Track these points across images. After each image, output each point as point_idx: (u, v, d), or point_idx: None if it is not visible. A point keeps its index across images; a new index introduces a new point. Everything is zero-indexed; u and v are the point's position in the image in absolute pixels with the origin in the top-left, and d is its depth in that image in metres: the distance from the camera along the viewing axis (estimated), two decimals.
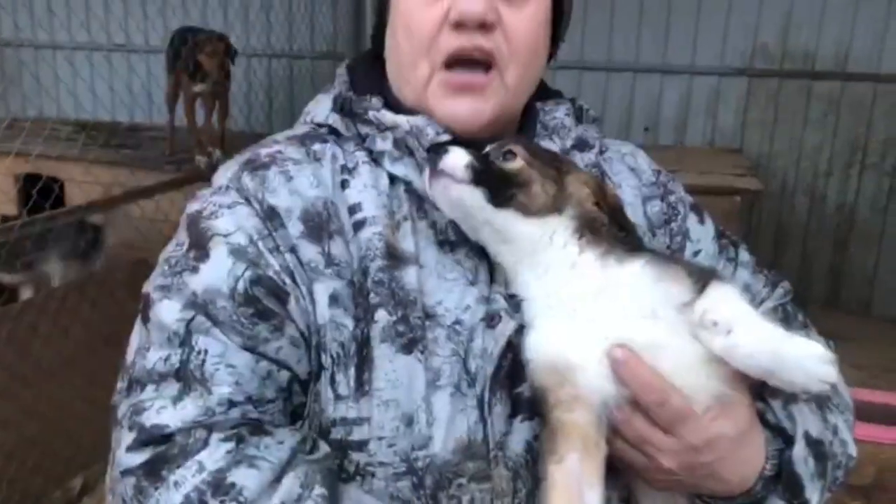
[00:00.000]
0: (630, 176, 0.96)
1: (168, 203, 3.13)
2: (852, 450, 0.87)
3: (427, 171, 0.79)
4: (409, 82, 0.86)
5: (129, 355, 0.79)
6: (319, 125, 0.89)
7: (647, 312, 0.74)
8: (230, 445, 0.72)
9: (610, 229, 0.80)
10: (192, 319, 0.75)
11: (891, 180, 4.20)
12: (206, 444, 0.72)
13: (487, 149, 0.81)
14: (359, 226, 0.81)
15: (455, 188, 0.77)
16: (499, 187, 0.77)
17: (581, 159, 0.91)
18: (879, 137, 4.16)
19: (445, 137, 0.83)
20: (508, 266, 0.80)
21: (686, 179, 3.52)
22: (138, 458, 0.72)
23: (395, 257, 0.79)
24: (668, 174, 1.00)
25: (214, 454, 0.71)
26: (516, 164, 0.79)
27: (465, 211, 0.78)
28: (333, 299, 0.78)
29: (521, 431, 0.78)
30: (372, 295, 0.78)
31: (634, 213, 0.91)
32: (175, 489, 0.70)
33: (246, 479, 0.71)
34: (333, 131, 0.88)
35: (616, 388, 0.73)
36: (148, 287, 0.81)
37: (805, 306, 1.00)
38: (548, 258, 0.78)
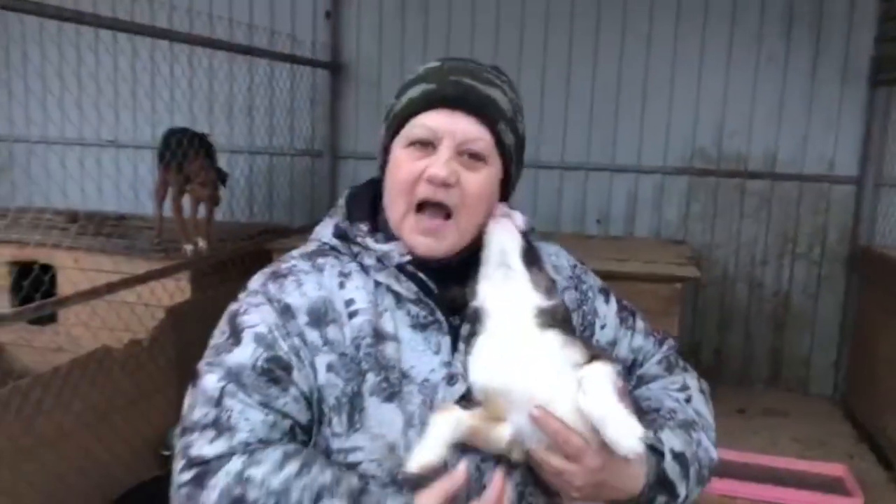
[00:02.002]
0: (553, 273, 1.27)
1: (161, 288, 3.37)
2: (714, 454, 1.20)
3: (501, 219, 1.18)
4: (392, 214, 1.19)
5: (184, 410, 1.11)
6: (324, 243, 1.22)
7: (555, 365, 1.06)
8: (245, 458, 1.04)
9: (550, 309, 1.12)
10: (224, 387, 1.08)
11: (819, 268, 4.62)
12: (229, 460, 1.04)
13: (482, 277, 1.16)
14: (353, 314, 1.13)
15: (508, 226, 1.17)
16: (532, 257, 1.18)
17: None
18: (806, 230, 4.61)
19: (406, 259, 1.16)
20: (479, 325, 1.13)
21: (633, 268, 3.87)
22: (187, 475, 1.03)
23: (379, 336, 1.12)
24: (582, 267, 1.34)
25: (235, 464, 1.03)
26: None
27: (503, 254, 1.16)
28: (329, 367, 1.11)
29: (470, 454, 1.09)
30: (363, 363, 1.11)
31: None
32: (212, 489, 1.02)
33: (256, 471, 1.03)
34: (334, 248, 1.21)
35: (529, 424, 1.05)
36: (200, 364, 1.13)
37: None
38: (507, 320, 1.11)
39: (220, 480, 1.01)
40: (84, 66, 4.92)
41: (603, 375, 1.03)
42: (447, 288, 1.16)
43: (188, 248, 3.74)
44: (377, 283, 1.16)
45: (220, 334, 1.14)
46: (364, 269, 1.17)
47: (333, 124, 4.94)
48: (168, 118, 4.62)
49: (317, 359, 1.10)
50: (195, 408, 1.08)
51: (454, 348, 1.13)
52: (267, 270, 1.20)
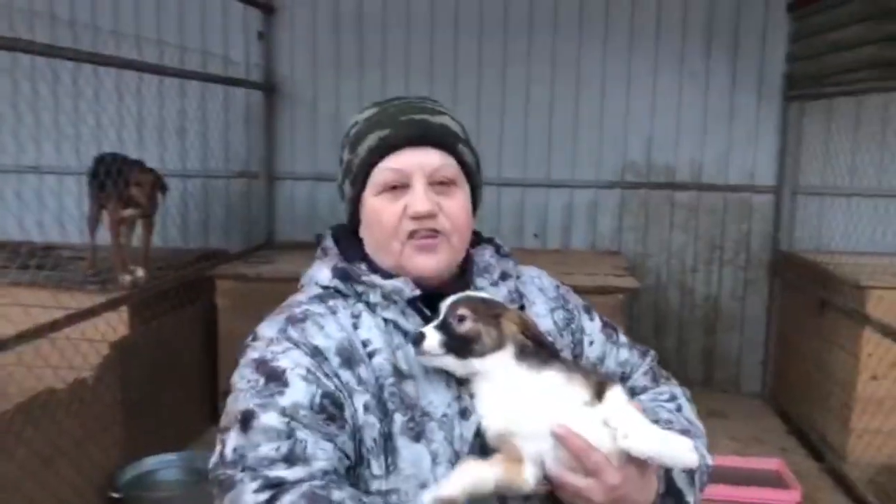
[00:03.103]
0: (539, 294, 1.33)
1: (104, 323, 3.26)
2: (710, 460, 1.25)
3: (414, 350, 1.13)
4: (388, 255, 1.19)
5: (237, 452, 1.03)
6: (325, 287, 1.20)
7: (559, 404, 1.09)
8: (326, 481, 1.02)
9: (533, 348, 1.14)
10: (290, 422, 1.05)
11: (744, 274, 4.87)
12: (309, 482, 1.01)
13: (444, 312, 1.14)
14: (371, 355, 1.12)
15: (436, 360, 1.12)
16: (461, 347, 1.12)
17: (506, 287, 1.27)
18: (732, 237, 4.85)
19: (418, 292, 1.17)
20: (474, 380, 1.15)
21: (575, 280, 4.01)
22: (262, 496, 1.00)
23: (399, 375, 1.13)
24: (564, 287, 1.39)
25: (316, 483, 1.01)
26: (467, 325, 1.12)
27: (444, 367, 1.14)
28: (366, 408, 1.10)
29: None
30: (389, 403, 1.11)
31: (546, 321, 1.29)
32: (291, 494, 0.99)
33: (337, 494, 1.00)
34: (338, 290, 1.19)
35: (549, 449, 1.08)
36: (246, 406, 1.06)
37: (688, 387, 1.40)
38: (497, 375, 1.13)
39: (302, 489, 0.99)
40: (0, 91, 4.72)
41: (627, 409, 1.07)
42: None
43: (125, 278, 3.63)
44: (385, 321, 1.16)
45: (253, 384, 1.08)
46: (370, 308, 1.17)
47: (269, 145, 4.89)
48: (94, 144, 4.48)
49: (354, 399, 1.09)
50: (259, 446, 1.02)
51: (458, 382, 1.16)
52: (279, 317, 1.16)
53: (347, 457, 1.08)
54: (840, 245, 4.45)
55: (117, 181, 3.59)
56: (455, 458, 1.11)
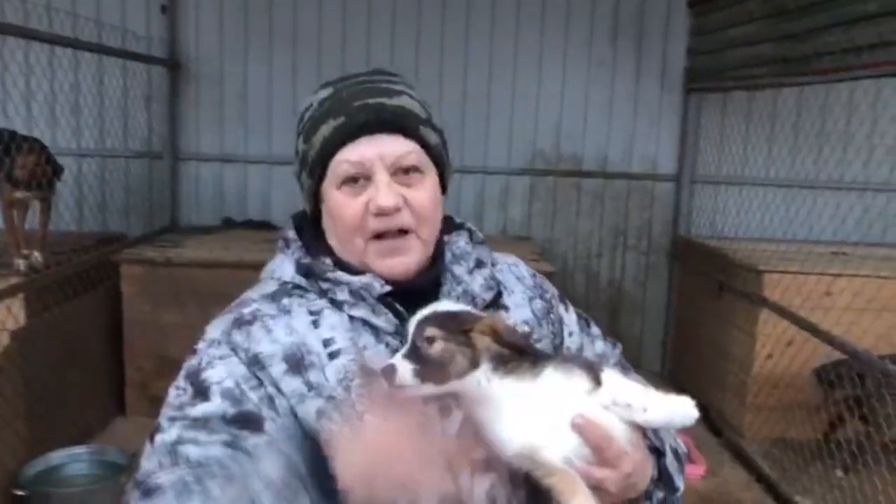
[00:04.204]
0: (517, 283, 1.27)
1: (4, 311, 3.04)
2: (683, 448, 1.26)
3: (386, 384, 1.02)
4: (351, 251, 1.13)
5: (142, 463, 1.03)
6: (286, 282, 1.13)
7: (565, 402, 1.04)
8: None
9: (513, 355, 1.05)
10: (181, 434, 1.01)
11: (646, 259, 5.08)
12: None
13: (412, 335, 1.03)
14: (334, 355, 1.06)
15: (410, 391, 1.01)
16: (435, 371, 1.02)
17: (481, 275, 1.21)
18: (635, 224, 5.05)
19: (388, 289, 1.11)
20: (463, 403, 1.07)
21: None
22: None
23: (368, 374, 1.05)
24: (539, 276, 1.34)
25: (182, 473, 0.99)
26: (438, 346, 1.02)
27: (421, 394, 1.03)
28: (320, 413, 1.03)
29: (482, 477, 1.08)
30: (357, 404, 1.03)
31: (524, 310, 1.23)
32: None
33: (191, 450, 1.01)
34: (298, 286, 1.12)
35: (573, 446, 1.03)
36: (159, 419, 1.05)
37: None
38: (482, 391, 1.04)
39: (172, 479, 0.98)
40: None
41: (630, 385, 1.05)
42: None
43: (20, 262, 3.39)
44: (352, 318, 1.09)
45: (178, 393, 1.05)
46: (336, 305, 1.10)
47: (173, 124, 4.68)
48: None
49: (301, 406, 1.03)
50: (148, 459, 1.01)
51: None
52: (228, 316, 1.10)
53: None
54: (732, 231, 4.73)
55: (4, 161, 3.34)
56: None
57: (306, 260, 1.13)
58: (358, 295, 1.10)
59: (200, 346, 1.08)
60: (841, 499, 3.27)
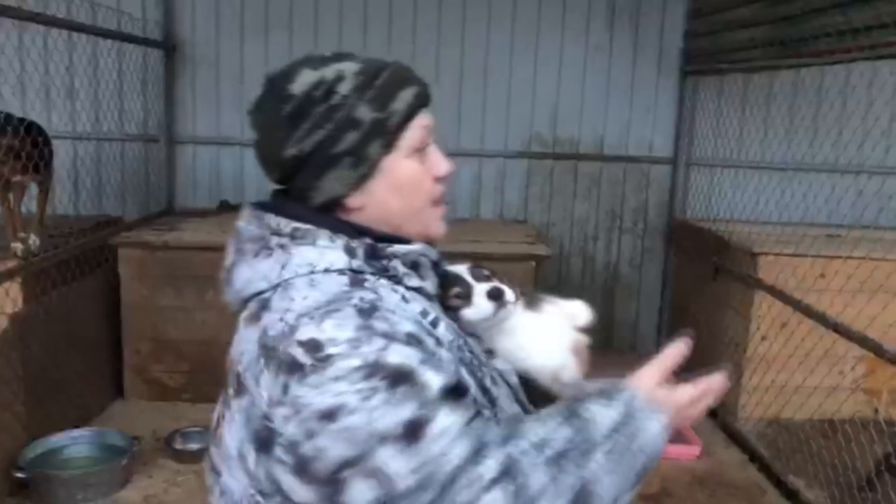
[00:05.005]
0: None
1: (2, 294, 3.04)
2: None
3: (493, 304, 1.15)
4: (419, 222, 1.11)
5: (410, 478, 0.88)
6: (346, 270, 1.03)
7: (564, 325, 1.24)
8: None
9: (527, 298, 1.24)
10: (462, 412, 0.96)
11: (642, 242, 5.10)
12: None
13: (468, 275, 1.18)
14: (434, 324, 1.05)
15: (513, 308, 1.18)
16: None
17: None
18: (631, 207, 5.06)
19: (438, 255, 1.15)
20: (497, 334, 1.21)
21: (487, 248, 4.09)
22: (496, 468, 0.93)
23: (459, 335, 1.10)
24: None
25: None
26: (496, 282, 1.18)
27: (505, 320, 1.19)
28: (466, 374, 1.04)
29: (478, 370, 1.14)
30: (474, 361, 1.09)
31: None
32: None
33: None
34: (360, 271, 1.04)
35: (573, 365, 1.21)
36: (363, 432, 0.89)
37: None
38: (521, 324, 1.21)
39: (529, 454, 0.95)
40: None
41: (562, 302, 1.28)
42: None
43: (17, 246, 3.39)
44: (408, 289, 1.07)
45: (375, 396, 0.89)
46: (398, 279, 1.06)
47: (169, 108, 4.67)
48: None
49: (461, 371, 1.04)
50: (448, 453, 0.89)
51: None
52: (343, 313, 0.96)
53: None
54: (727, 214, 4.74)
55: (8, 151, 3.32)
56: (511, 394, 1.16)
57: (359, 241, 1.05)
58: (412, 265, 1.09)
59: (336, 351, 0.91)
60: (834, 478, 3.32)
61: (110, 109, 4.53)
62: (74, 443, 3.23)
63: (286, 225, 1.05)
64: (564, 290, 5.00)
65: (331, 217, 1.08)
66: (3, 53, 4.08)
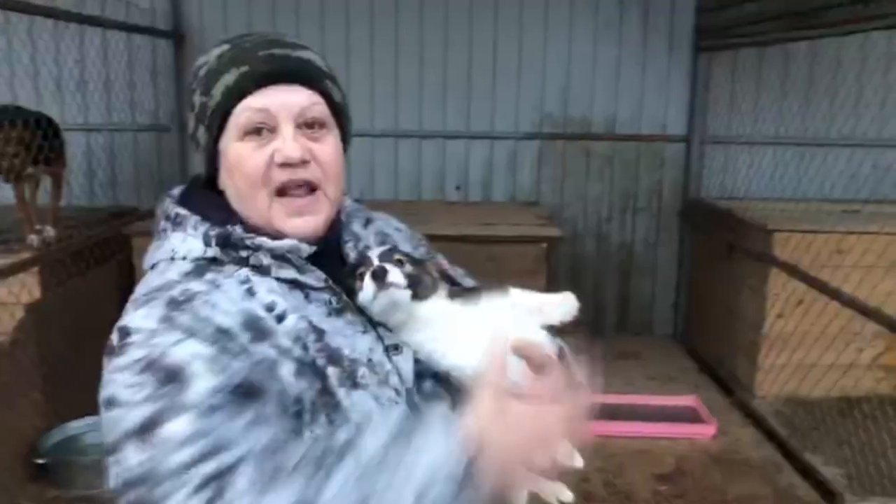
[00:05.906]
0: (397, 233, 1.29)
1: (15, 285, 3.08)
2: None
3: (373, 285, 1.05)
4: (253, 208, 1.08)
5: (138, 470, 0.89)
6: (198, 258, 1.05)
7: (506, 318, 1.09)
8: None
9: (458, 289, 1.15)
10: (203, 416, 0.90)
11: (657, 221, 5.06)
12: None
13: (377, 259, 1.08)
14: (280, 318, 1.02)
15: (398, 293, 1.07)
16: (411, 286, 1.08)
17: (373, 228, 1.24)
18: (644, 186, 5.02)
19: (314, 249, 1.08)
20: (408, 328, 1.11)
21: (501, 231, 4.07)
22: (204, 495, 0.87)
23: (317, 330, 1.05)
24: (406, 227, 1.34)
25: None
26: (408, 268, 1.09)
27: (392, 306, 1.07)
28: (296, 374, 0.99)
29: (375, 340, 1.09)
30: (318, 360, 1.02)
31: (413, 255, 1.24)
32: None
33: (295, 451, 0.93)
34: (214, 260, 1.05)
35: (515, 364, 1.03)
36: (124, 425, 0.90)
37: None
38: (439, 317, 1.10)
39: (251, 463, 0.89)
40: None
41: (526, 294, 1.12)
42: (331, 269, 1.11)
43: (33, 238, 3.44)
44: (279, 281, 1.06)
45: (141, 387, 0.91)
46: (261, 270, 1.06)
47: (179, 97, 4.68)
48: None
49: (280, 370, 0.98)
50: (172, 453, 0.87)
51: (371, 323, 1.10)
52: (154, 303, 0.98)
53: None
54: (742, 191, 4.69)
55: (28, 144, 3.34)
56: (398, 396, 1.06)
57: (218, 230, 1.06)
58: (282, 258, 1.06)
59: (133, 340, 0.94)
60: (850, 455, 3.29)
61: (121, 100, 4.57)
62: (94, 429, 3.27)
63: (172, 210, 1.10)
64: (579, 272, 5.02)
65: (214, 202, 1.11)
66: (13, 47, 4.13)
